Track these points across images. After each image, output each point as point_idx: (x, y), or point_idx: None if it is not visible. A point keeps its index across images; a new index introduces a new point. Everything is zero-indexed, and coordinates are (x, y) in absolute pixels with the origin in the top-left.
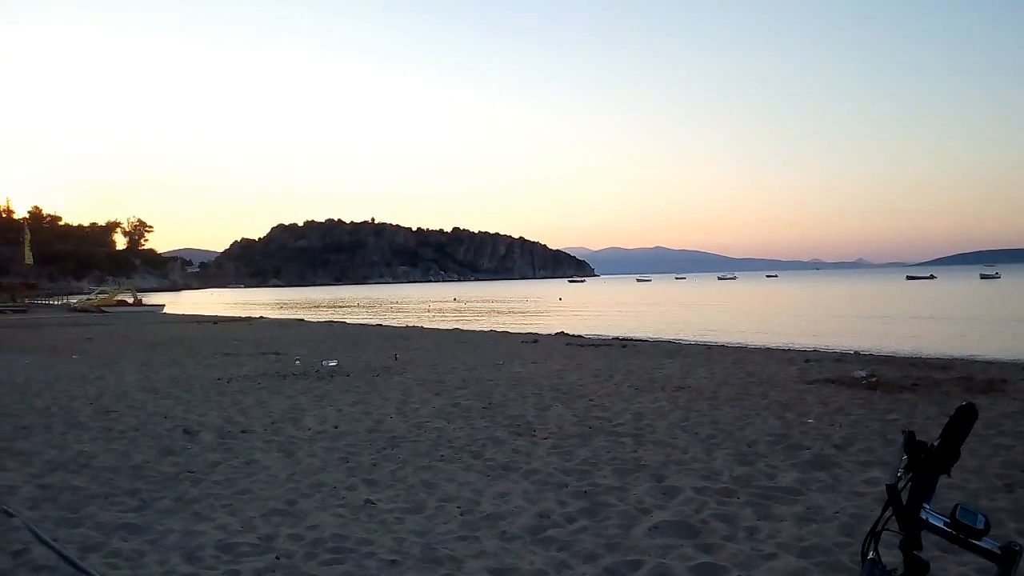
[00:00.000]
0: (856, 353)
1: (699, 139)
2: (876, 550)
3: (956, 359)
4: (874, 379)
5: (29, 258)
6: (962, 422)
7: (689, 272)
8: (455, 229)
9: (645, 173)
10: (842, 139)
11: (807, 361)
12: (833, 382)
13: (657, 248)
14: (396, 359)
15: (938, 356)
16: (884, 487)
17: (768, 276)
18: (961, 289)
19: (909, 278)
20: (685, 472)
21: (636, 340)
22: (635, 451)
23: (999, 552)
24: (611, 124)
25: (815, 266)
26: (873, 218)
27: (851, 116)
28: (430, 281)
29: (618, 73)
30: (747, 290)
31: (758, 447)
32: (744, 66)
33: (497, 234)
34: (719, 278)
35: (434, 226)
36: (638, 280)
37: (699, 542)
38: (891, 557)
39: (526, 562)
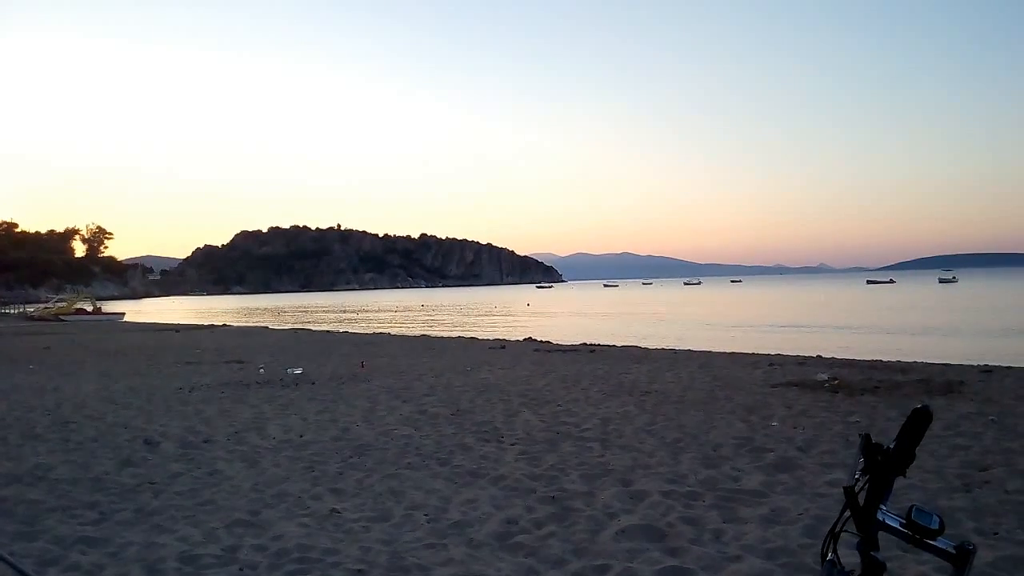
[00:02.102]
0: (818, 357)
1: (666, 146)
2: (835, 551)
3: (915, 362)
4: (836, 382)
5: None
6: (917, 425)
7: (655, 278)
8: (422, 235)
9: (612, 180)
10: (805, 146)
11: (771, 365)
12: (796, 385)
13: (624, 254)
14: (363, 366)
15: (898, 359)
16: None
17: (732, 281)
18: (920, 293)
19: (869, 282)
20: (652, 476)
21: (604, 345)
22: (602, 456)
23: (953, 552)
24: (578, 131)
25: (778, 271)
26: (835, 224)
27: (814, 124)
28: (397, 287)
29: (585, 81)
30: (712, 295)
31: (723, 450)
32: (710, 74)
33: (465, 240)
34: (685, 283)
35: (401, 232)
36: (605, 286)
37: (666, 545)
38: (851, 558)
39: (494, 569)
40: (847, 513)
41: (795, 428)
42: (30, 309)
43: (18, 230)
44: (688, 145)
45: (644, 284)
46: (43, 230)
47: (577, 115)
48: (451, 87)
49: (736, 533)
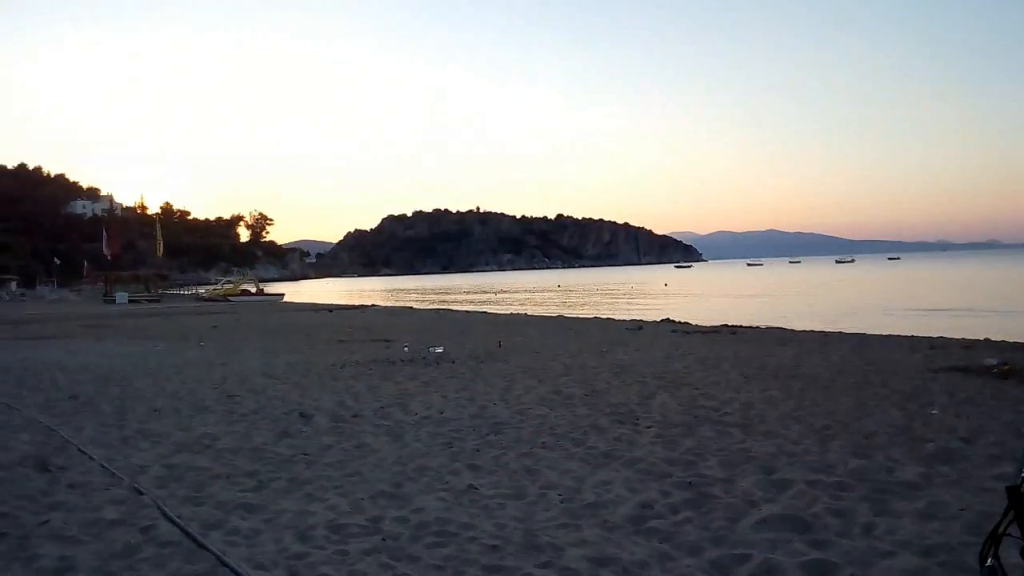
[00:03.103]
0: (987, 340)
1: (813, 115)
2: (996, 556)
3: None
4: (1007, 367)
5: (160, 250)
6: None
7: (804, 256)
8: (559, 216)
9: (756, 153)
10: (969, 109)
11: (932, 348)
12: (961, 370)
13: (770, 231)
14: (500, 346)
15: None
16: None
17: (890, 259)
18: None
19: None
20: (797, 464)
21: (746, 327)
22: (743, 442)
23: None
24: (719, 103)
25: (942, 247)
26: (1007, 194)
27: (977, 84)
28: (534, 268)
29: (724, 49)
30: (867, 274)
31: (876, 439)
32: (859, 37)
33: (601, 220)
34: (837, 261)
35: (538, 213)
36: (749, 264)
37: (811, 537)
38: (1013, 559)
39: (627, 552)
40: (1011, 515)
41: (958, 417)
42: (201, 290)
43: (190, 217)
44: (839, 114)
45: (791, 263)
46: (212, 217)
47: (718, 87)
48: (586, 63)
49: (889, 527)
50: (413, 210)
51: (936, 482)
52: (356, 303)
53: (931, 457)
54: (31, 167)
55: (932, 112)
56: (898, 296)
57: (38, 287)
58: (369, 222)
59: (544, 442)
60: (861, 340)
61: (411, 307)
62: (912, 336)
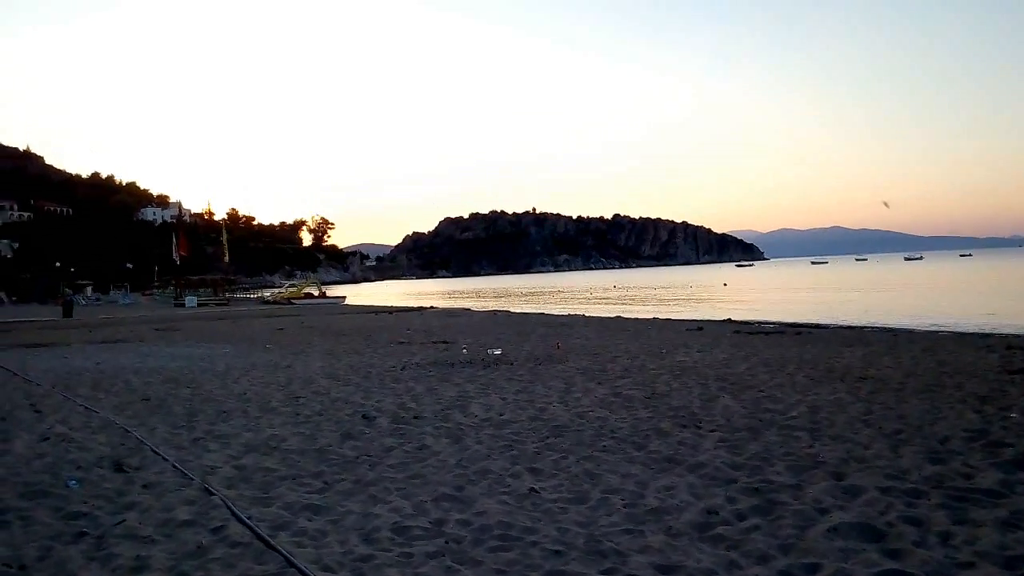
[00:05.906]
0: None
1: (879, 109)
2: None
3: None
4: None
5: (226, 255)
6: None
7: (871, 253)
8: (615, 216)
9: (820, 149)
10: None
11: (1010, 348)
12: None
13: (834, 228)
14: (558, 348)
15: None
16: None
17: (962, 255)
18: None
19: None
20: (868, 470)
21: (811, 326)
22: (811, 446)
23: None
24: (781, 98)
25: (1017, 242)
26: None
27: None
28: (591, 268)
29: (784, 40)
30: (937, 271)
31: (952, 444)
32: (924, 28)
33: (659, 219)
34: (905, 259)
35: (594, 213)
36: (813, 263)
37: (884, 546)
38: None
39: (693, 560)
40: None
41: None
42: (266, 294)
43: (255, 223)
44: (903, 106)
45: (858, 260)
46: (276, 222)
47: (779, 80)
48: (645, 57)
49: (968, 536)
50: (469, 212)
51: (1018, 489)
52: (415, 305)
53: (1012, 463)
54: (104, 176)
55: (1006, 100)
56: (970, 294)
57: (111, 292)
58: (426, 224)
59: (605, 445)
60: (933, 340)
61: (468, 308)
62: (988, 335)
